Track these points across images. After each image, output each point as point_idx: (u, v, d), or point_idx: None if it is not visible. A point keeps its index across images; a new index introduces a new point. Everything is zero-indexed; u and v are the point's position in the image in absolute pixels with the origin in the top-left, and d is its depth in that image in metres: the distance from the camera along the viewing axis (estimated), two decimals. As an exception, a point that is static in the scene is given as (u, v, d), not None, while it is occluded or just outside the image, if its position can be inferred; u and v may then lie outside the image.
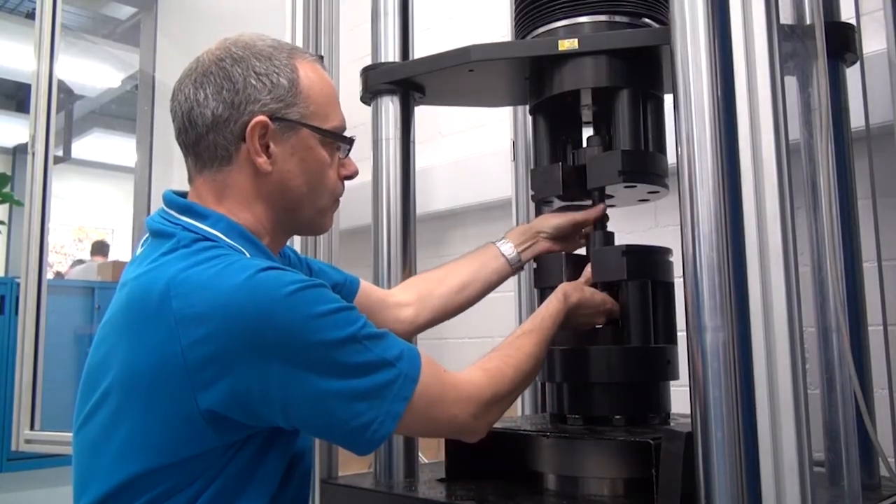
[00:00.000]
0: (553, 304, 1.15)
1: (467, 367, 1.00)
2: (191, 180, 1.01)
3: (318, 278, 1.23)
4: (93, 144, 7.93)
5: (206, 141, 0.96)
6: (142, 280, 0.88)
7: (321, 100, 0.99)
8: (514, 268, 1.35)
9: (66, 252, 9.81)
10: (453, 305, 1.32)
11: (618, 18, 1.30)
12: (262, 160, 0.95)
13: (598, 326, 1.26)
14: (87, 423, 0.90)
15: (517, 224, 1.76)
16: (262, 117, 0.94)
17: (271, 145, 0.96)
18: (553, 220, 1.35)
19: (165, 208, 0.99)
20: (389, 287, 1.39)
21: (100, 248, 7.23)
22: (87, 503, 0.88)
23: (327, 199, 1.03)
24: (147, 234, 0.99)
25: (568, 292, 1.18)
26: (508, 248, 1.34)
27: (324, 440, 1.34)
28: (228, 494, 0.88)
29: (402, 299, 1.31)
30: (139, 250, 0.97)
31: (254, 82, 0.95)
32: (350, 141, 1.04)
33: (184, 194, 1.01)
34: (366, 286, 1.30)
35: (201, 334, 0.82)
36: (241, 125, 0.94)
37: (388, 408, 0.86)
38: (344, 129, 1.04)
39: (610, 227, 1.33)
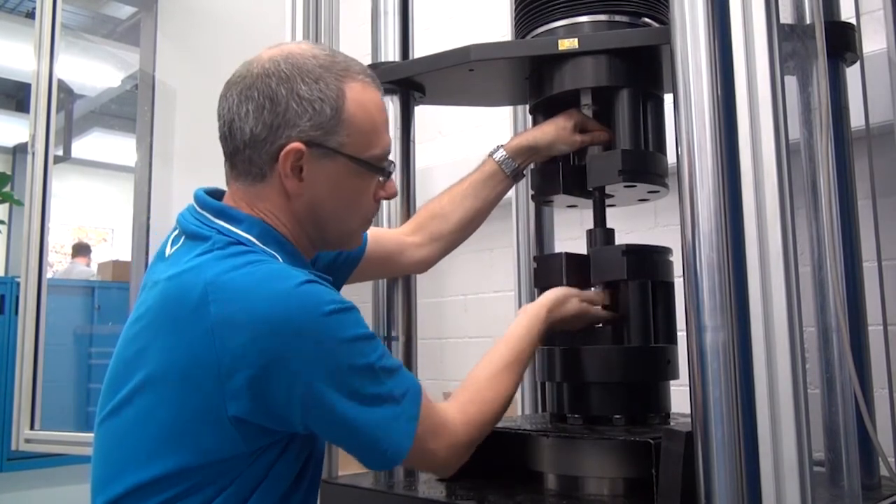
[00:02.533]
0: (535, 331, 1.14)
1: (454, 393, 1.04)
2: (228, 182, 1.02)
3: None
4: (93, 144, 7.92)
5: (242, 155, 0.97)
6: (178, 280, 0.89)
7: (365, 126, 0.98)
8: (515, 180, 1.39)
9: (66, 252, 9.80)
10: (462, 239, 1.38)
11: (618, 18, 1.30)
12: (291, 183, 0.96)
13: (598, 326, 1.26)
14: (114, 415, 0.91)
15: (517, 225, 1.76)
16: (297, 144, 0.94)
17: (304, 168, 0.96)
18: (551, 138, 1.32)
19: (198, 209, 0.99)
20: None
21: (81, 250, 7.22)
22: (111, 496, 0.88)
23: (357, 223, 1.05)
24: (176, 231, 0.99)
25: (552, 311, 1.17)
26: (508, 164, 1.35)
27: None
28: (241, 497, 0.89)
29: (415, 241, 1.34)
30: (169, 249, 0.97)
31: (295, 106, 0.94)
32: (387, 172, 1.03)
33: (213, 193, 1.01)
34: (375, 235, 1.30)
35: (238, 342, 0.83)
36: (276, 147, 0.94)
37: (399, 442, 0.90)
38: (387, 153, 1.02)
39: (610, 226, 1.33)
